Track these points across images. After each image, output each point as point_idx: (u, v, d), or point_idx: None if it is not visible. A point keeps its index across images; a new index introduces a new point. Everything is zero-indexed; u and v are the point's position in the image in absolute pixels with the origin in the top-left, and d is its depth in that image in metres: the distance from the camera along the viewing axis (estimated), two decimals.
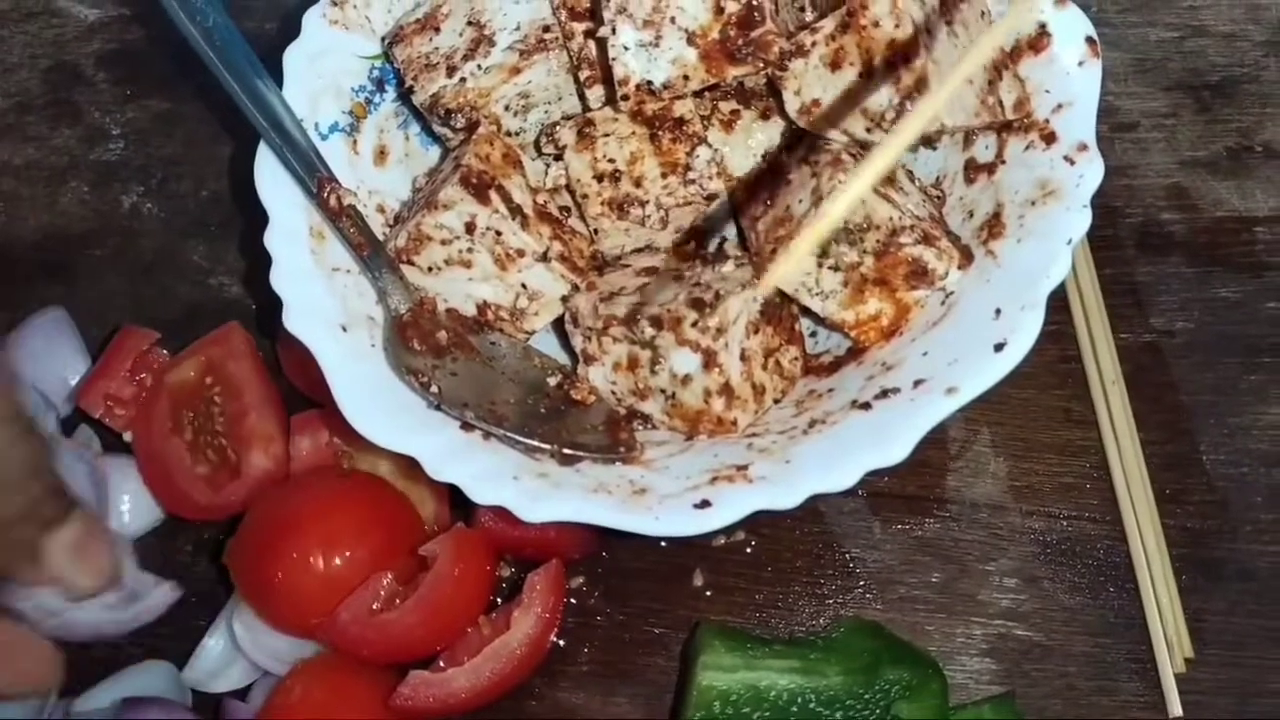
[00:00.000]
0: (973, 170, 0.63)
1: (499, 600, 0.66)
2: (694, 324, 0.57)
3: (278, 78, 0.64)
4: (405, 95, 0.67)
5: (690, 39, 0.60)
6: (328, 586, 0.60)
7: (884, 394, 0.56)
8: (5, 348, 0.72)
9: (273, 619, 0.62)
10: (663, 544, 0.67)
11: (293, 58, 0.65)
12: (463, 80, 0.65)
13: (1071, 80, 0.61)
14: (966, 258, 0.59)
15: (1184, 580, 0.64)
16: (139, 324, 0.73)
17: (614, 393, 0.62)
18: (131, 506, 0.68)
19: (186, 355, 0.70)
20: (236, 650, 0.64)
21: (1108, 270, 0.72)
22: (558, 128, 0.65)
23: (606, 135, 0.64)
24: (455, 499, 0.64)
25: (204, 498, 0.66)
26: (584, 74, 0.64)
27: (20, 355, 0.72)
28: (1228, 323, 0.71)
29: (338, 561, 0.61)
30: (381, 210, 0.67)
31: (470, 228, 0.61)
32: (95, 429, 0.71)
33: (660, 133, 0.64)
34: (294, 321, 0.58)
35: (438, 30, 0.66)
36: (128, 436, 0.70)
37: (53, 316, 0.74)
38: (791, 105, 0.62)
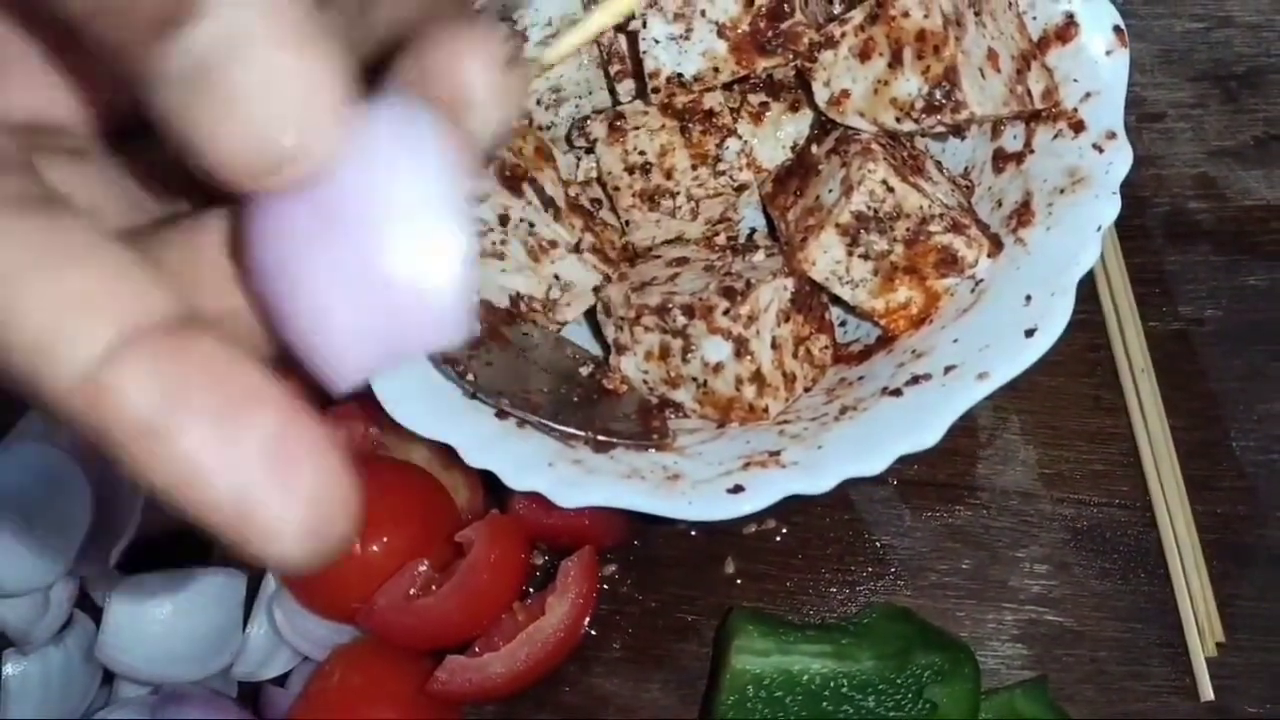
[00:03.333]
0: (1001, 159, 0.63)
1: (532, 589, 0.67)
2: (725, 312, 0.58)
3: None
4: None
5: (720, 31, 0.61)
6: (365, 572, 0.61)
7: (915, 380, 0.57)
8: None
9: (311, 603, 0.63)
10: (694, 532, 0.68)
11: None
12: None
13: (1099, 69, 0.61)
14: (996, 246, 0.60)
15: (1214, 566, 0.64)
16: None
17: (646, 381, 0.63)
18: None
19: None
20: (277, 637, 0.65)
21: (1136, 259, 0.72)
22: (589, 121, 0.66)
23: (637, 128, 0.65)
24: (489, 486, 0.65)
25: None
26: (614, 68, 0.65)
27: None
28: (1256, 310, 0.71)
29: (375, 548, 0.62)
30: None
31: (504, 220, 0.62)
32: None
33: (690, 125, 0.64)
34: None
35: None
36: None
37: None
38: (821, 96, 0.62)
